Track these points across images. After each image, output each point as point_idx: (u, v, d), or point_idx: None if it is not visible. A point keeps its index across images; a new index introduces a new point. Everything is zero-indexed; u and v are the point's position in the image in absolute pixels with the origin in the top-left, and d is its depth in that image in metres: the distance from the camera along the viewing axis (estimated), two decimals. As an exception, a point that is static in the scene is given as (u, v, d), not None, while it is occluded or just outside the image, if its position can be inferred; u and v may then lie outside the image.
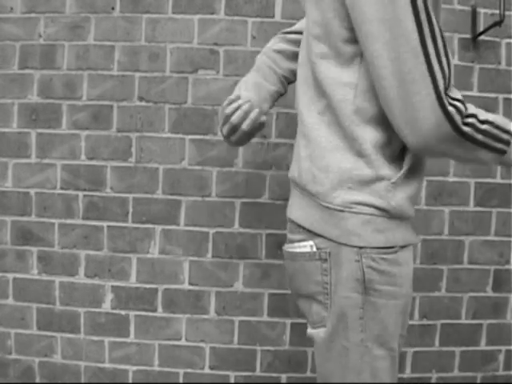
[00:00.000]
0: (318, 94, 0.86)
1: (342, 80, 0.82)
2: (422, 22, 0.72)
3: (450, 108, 0.75)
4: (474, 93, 1.59)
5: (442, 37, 0.75)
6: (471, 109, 0.80)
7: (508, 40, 1.59)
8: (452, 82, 0.77)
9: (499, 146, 0.81)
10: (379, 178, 0.82)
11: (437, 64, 0.73)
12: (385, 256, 0.81)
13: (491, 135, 0.80)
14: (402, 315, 0.85)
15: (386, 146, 0.84)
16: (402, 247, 0.84)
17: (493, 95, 1.59)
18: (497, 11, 1.55)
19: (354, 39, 0.80)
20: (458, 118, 0.75)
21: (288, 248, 0.92)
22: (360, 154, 0.82)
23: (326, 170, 0.83)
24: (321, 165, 0.84)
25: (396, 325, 0.83)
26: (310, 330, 0.89)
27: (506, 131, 0.82)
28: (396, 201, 0.83)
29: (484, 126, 0.79)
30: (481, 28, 1.56)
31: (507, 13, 1.55)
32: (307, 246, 0.85)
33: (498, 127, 0.81)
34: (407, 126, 0.76)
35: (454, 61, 1.58)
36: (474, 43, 1.58)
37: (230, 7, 1.56)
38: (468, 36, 1.58)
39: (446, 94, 0.75)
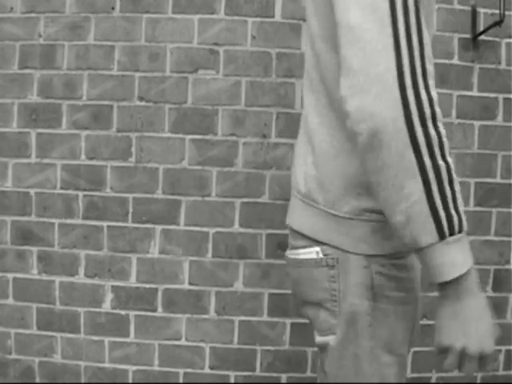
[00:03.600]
0: (320, 94, 0.81)
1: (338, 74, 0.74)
2: None
3: (410, 94, 0.62)
4: (474, 93, 1.59)
5: (418, 11, 0.64)
6: (442, 132, 0.65)
7: (508, 40, 1.59)
8: (429, 67, 0.64)
9: (441, 213, 0.64)
10: None
11: (405, 41, 0.63)
12: (393, 261, 0.78)
13: (440, 181, 0.64)
14: (412, 320, 0.82)
15: None
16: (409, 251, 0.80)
17: (493, 95, 1.59)
18: (497, 11, 1.55)
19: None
20: (415, 110, 0.62)
21: (291, 254, 0.87)
22: None
23: (332, 177, 0.78)
24: (326, 171, 0.79)
25: (406, 330, 0.80)
26: (318, 338, 0.84)
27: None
28: None
29: (441, 163, 0.64)
30: (481, 28, 1.56)
31: (507, 13, 1.55)
32: (313, 253, 0.81)
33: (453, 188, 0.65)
34: (357, 94, 0.64)
35: (454, 61, 1.59)
36: (473, 43, 1.58)
37: (230, 7, 1.56)
38: (468, 36, 1.58)
39: (413, 79, 0.63)
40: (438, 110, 0.64)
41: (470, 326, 0.68)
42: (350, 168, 0.77)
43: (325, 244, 0.79)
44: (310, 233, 0.81)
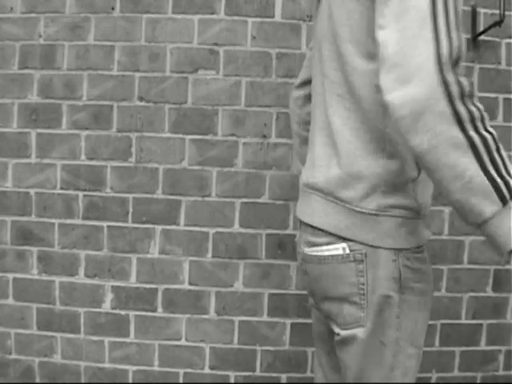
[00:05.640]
0: (343, 95, 0.84)
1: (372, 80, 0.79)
2: None
3: (450, 77, 0.66)
4: (474, 93, 1.59)
5: (457, 10, 0.69)
6: (481, 107, 0.69)
7: (508, 40, 1.59)
8: (462, 59, 0.69)
9: (498, 180, 0.67)
10: (409, 179, 0.82)
11: (444, 34, 0.67)
12: (416, 255, 0.83)
13: (490, 151, 0.67)
14: (428, 311, 0.87)
15: None
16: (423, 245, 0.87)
17: (493, 95, 1.59)
18: (497, 11, 1.55)
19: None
20: (455, 89, 0.66)
21: (313, 251, 0.88)
22: (393, 156, 0.81)
23: (359, 176, 0.82)
24: (352, 171, 0.82)
25: (425, 321, 0.85)
26: (342, 332, 0.86)
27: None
28: (420, 198, 0.84)
29: (486, 134, 0.68)
30: (481, 28, 1.56)
31: (507, 13, 1.55)
32: (339, 249, 0.83)
33: (503, 159, 0.68)
34: (399, 85, 0.68)
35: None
36: (474, 43, 1.58)
37: (230, 7, 1.56)
38: (468, 36, 1.58)
39: (452, 65, 0.67)
40: (472, 89, 0.68)
41: None
42: (377, 168, 0.81)
43: (351, 240, 0.82)
44: (334, 230, 0.84)
